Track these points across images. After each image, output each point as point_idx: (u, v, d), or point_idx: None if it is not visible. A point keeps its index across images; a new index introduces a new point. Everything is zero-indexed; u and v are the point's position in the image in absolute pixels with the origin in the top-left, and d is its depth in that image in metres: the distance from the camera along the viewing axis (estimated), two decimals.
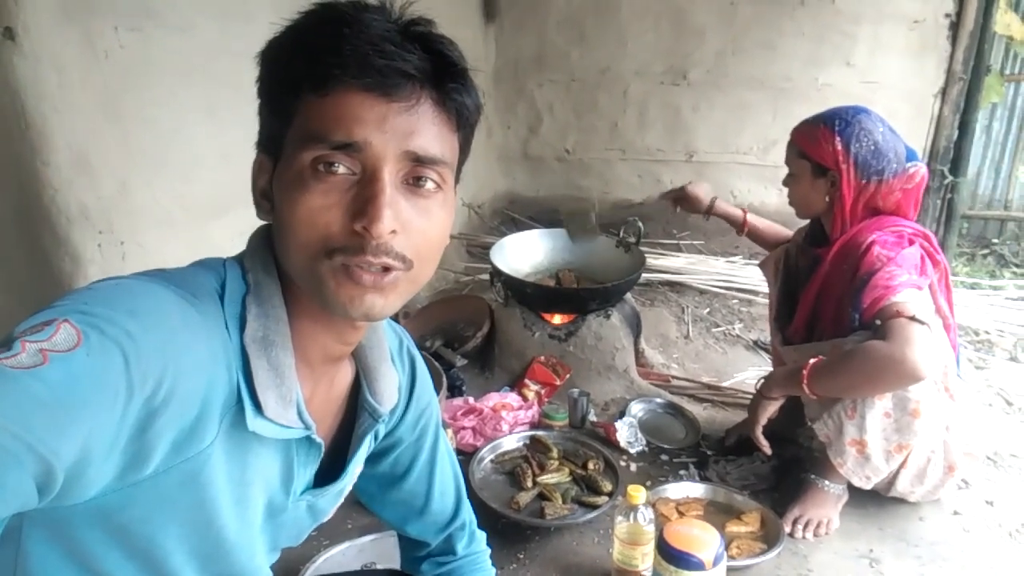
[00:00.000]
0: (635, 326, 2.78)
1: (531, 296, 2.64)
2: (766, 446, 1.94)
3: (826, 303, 1.92)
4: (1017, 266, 4.16)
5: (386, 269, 0.73)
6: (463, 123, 0.79)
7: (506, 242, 2.86)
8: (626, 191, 4.31)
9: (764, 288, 3.29)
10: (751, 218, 2.34)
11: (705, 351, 3.08)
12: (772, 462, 2.14)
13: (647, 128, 4.22)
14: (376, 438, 1.00)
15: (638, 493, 1.64)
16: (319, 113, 0.71)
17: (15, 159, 1.50)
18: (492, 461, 2.12)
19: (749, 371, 2.87)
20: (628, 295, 2.83)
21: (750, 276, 3.53)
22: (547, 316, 2.66)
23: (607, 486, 1.98)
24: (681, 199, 2.37)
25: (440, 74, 0.74)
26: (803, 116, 1.97)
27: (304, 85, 0.71)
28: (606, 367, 2.60)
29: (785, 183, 2.00)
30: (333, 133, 0.70)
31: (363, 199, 0.70)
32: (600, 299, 2.63)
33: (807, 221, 2.10)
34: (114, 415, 0.59)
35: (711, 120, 4.13)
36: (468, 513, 1.20)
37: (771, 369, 2.36)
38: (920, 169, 1.83)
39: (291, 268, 0.76)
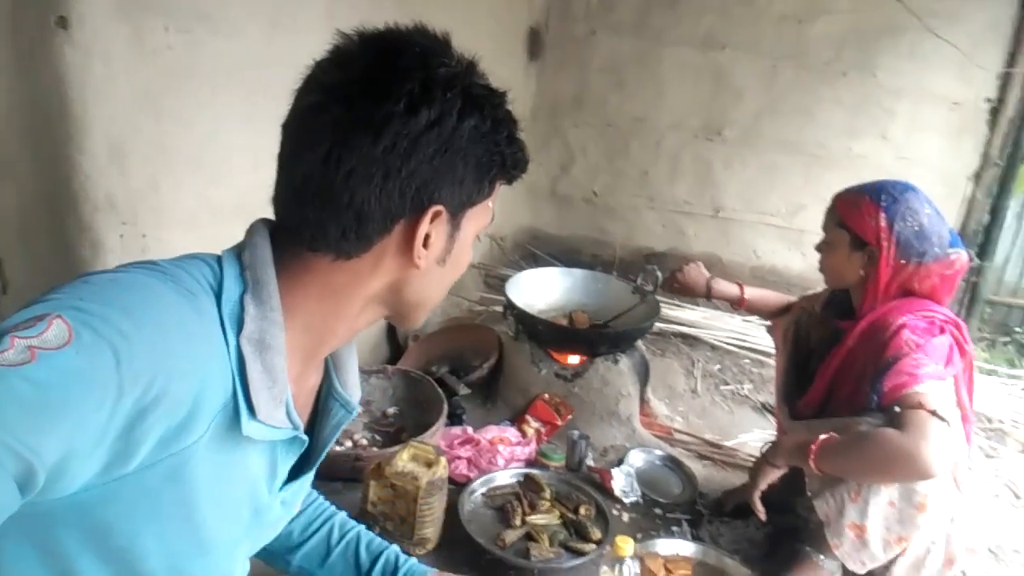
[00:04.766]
0: (643, 374, 2.76)
1: (542, 333, 2.63)
2: (761, 512, 1.90)
3: (845, 380, 1.87)
4: None
5: None
6: None
7: (523, 276, 2.86)
8: (649, 239, 4.32)
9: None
10: (748, 293, 2.32)
11: (711, 408, 3.05)
12: (767, 529, 2.10)
13: (677, 179, 4.22)
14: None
15: (626, 545, 1.61)
16: (493, 198, 0.89)
17: (51, 143, 1.53)
18: (483, 494, 2.09)
19: (754, 433, 2.83)
20: (639, 343, 2.82)
21: (764, 337, 3.48)
22: (556, 354, 2.65)
23: (596, 533, 1.95)
24: (678, 288, 2.41)
25: None
26: (834, 184, 1.95)
27: (500, 177, 0.88)
28: (609, 412, 2.57)
29: (818, 249, 1.96)
30: (491, 214, 0.92)
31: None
32: (610, 343, 2.62)
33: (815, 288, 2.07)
34: (101, 415, 0.60)
35: (741, 178, 4.13)
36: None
37: (775, 435, 2.33)
38: (961, 256, 1.80)
39: (419, 303, 0.90)
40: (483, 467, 2.19)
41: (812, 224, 4.10)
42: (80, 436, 0.59)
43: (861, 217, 1.81)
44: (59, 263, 1.60)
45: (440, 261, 0.87)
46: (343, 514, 1.30)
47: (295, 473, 0.95)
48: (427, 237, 0.83)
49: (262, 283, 0.79)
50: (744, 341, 3.50)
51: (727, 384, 3.23)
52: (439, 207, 0.81)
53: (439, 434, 2.23)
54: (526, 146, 0.88)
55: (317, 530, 1.24)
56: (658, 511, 2.22)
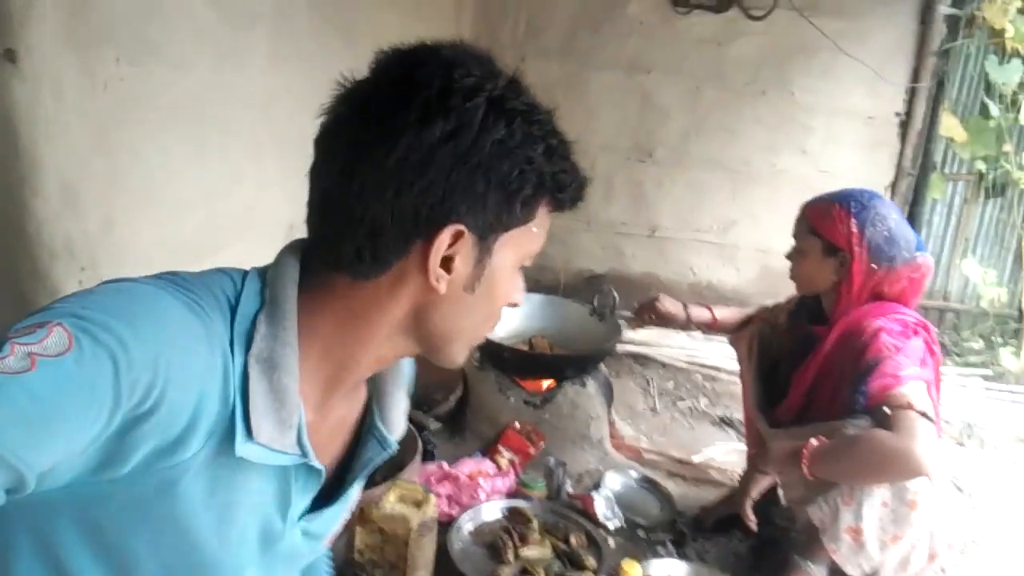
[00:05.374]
0: (608, 396, 2.76)
1: (507, 360, 2.59)
2: (753, 522, 1.92)
3: (823, 385, 1.91)
4: (957, 355, 4.33)
5: None
6: None
7: None
8: (588, 262, 4.36)
9: (727, 364, 3.34)
10: (719, 315, 2.35)
11: (672, 425, 3.07)
12: (751, 541, 2.11)
13: (612, 201, 4.28)
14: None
15: (633, 570, 1.59)
16: (540, 223, 0.81)
17: (2, 186, 1.40)
18: (471, 531, 2.03)
19: (717, 446, 2.86)
20: (601, 365, 2.81)
21: (711, 351, 3.57)
22: (523, 381, 2.60)
23: (591, 562, 1.92)
24: (655, 320, 2.39)
25: None
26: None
27: (543, 202, 0.80)
28: (581, 436, 2.55)
29: (790, 257, 2.01)
30: (541, 242, 0.84)
31: (519, 288, 0.87)
32: (576, 367, 2.61)
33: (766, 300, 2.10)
34: (97, 424, 0.60)
35: (673, 197, 4.23)
36: None
37: (740, 447, 2.35)
38: (927, 260, 1.87)
39: (449, 334, 0.83)
40: (465, 503, 2.12)
41: (743, 239, 4.30)
42: (73, 443, 0.59)
43: (833, 224, 1.86)
44: (13, 314, 1.45)
45: (468, 288, 0.80)
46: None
47: (321, 502, 0.89)
48: (450, 260, 0.77)
49: (278, 302, 0.76)
50: (693, 357, 3.56)
51: (683, 400, 3.26)
52: (459, 227, 0.75)
53: (415, 471, 2.15)
54: (577, 167, 0.82)
55: None
56: (641, 533, 2.20)
